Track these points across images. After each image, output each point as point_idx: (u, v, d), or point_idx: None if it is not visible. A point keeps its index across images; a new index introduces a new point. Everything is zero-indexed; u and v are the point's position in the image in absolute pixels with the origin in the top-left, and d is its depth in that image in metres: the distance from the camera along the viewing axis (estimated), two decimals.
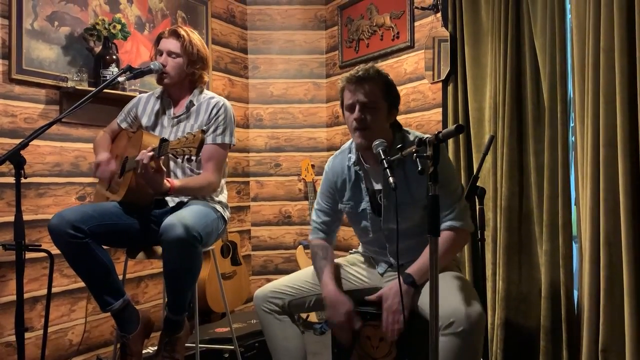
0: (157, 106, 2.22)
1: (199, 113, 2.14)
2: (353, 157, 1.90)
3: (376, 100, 1.75)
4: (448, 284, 1.67)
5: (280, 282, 1.96)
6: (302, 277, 1.98)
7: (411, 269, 1.74)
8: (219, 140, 2.11)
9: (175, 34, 2.13)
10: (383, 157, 1.57)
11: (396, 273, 1.73)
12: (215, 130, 2.11)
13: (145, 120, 2.21)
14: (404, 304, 1.63)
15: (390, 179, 1.47)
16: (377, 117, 1.76)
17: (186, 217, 1.83)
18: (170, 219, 1.81)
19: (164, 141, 1.78)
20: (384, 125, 1.79)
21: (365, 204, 1.89)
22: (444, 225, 1.76)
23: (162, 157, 1.82)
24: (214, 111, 2.12)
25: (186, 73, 2.15)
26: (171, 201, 2.10)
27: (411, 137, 1.85)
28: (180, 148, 1.71)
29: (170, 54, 2.11)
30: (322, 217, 2.01)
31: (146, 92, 2.41)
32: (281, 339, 1.88)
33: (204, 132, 1.70)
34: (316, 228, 2.03)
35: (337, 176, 1.95)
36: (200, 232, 1.82)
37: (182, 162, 2.09)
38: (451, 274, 1.78)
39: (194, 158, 1.69)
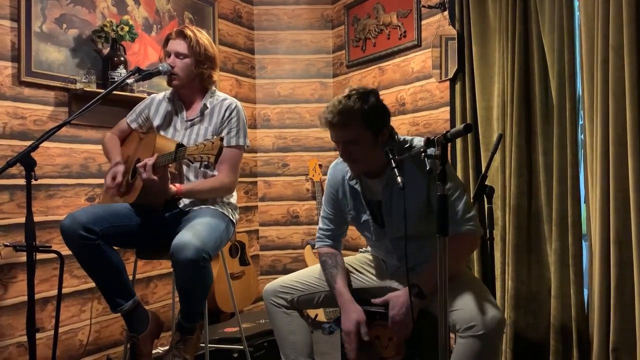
0: (169, 108, 2.23)
1: (212, 115, 2.15)
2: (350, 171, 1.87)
3: (356, 137, 1.69)
4: (466, 287, 1.66)
5: (290, 278, 1.97)
6: (312, 273, 1.99)
7: (418, 279, 1.71)
8: (233, 142, 2.12)
9: (182, 35, 2.12)
10: (391, 156, 1.58)
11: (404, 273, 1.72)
12: (229, 133, 2.12)
13: (157, 122, 2.22)
14: (413, 314, 1.63)
15: (399, 179, 1.48)
16: (363, 149, 1.71)
17: (197, 234, 1.80)
18: (181, 237, 1.78)
19: (180, 146, 1.78)
20: (373, 152, 1.73)
21: (366, 217, 1.88)
22: (455, 230, 1.68)
23: (174, 163, 1.84)
24: (227, 113, 2.13)
25: (195, 73, 2.14)
26: (182, 203, 2.10)
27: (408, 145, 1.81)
28: (198, 154, 1.72)
29: (178, 55, 2.11)
30: (329, 224, 2.00)
31: (155, 93, 2.42)
32: (289, 332, 1.90)
33: (222, 139, 1.71)
34: (323, 235, 2.01)
35: (338, 186, 1.94)
36: (210, 252, 1.81)
37: (200, 167, 2.09)
38: (467, 276, 1.77)
39: (211, 165, 1.70)
